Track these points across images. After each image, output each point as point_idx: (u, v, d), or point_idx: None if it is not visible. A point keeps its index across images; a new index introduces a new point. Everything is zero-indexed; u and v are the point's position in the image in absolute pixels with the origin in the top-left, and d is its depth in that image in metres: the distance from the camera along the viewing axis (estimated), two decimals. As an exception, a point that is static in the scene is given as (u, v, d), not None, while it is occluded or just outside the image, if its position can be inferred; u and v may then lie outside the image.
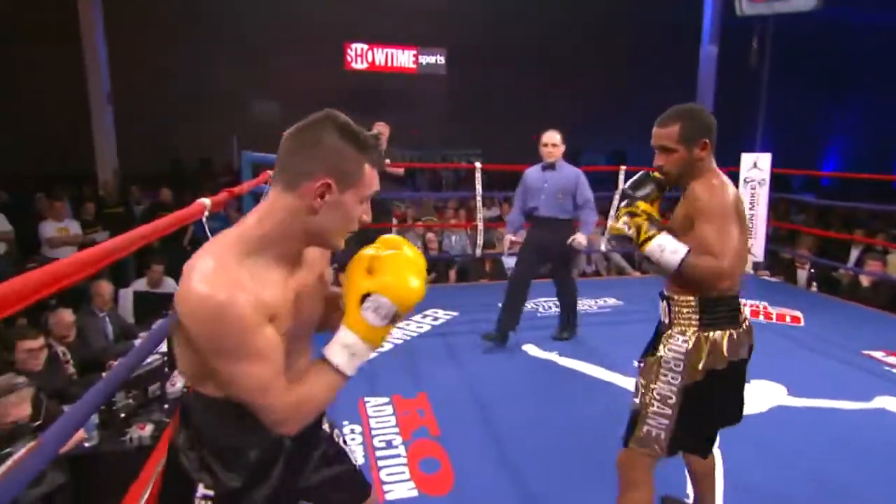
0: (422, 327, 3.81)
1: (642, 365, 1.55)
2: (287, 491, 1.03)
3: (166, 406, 2.37)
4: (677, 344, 1.45)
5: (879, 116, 15.33)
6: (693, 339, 1.44)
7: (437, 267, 5.70)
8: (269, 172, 3.10)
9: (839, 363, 3.28)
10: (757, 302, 4.44)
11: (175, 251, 5.30)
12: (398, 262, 0.91)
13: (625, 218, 1.51)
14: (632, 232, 1.48)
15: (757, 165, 5.14)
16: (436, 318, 3.99)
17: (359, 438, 2.37)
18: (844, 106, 15.50)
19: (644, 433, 1.48)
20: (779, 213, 8.01)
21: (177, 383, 2.52)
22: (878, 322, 4.08)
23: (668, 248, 1.42)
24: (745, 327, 1.49)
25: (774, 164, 5.12)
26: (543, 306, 4.19)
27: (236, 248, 0.87)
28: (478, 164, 4.80)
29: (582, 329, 3.56)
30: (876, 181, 12.17)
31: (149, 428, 2.22)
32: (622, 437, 1.55)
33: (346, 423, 2.48)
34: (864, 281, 4.72)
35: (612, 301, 4.46)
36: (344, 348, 0.90)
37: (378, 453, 2.27)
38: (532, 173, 3.46)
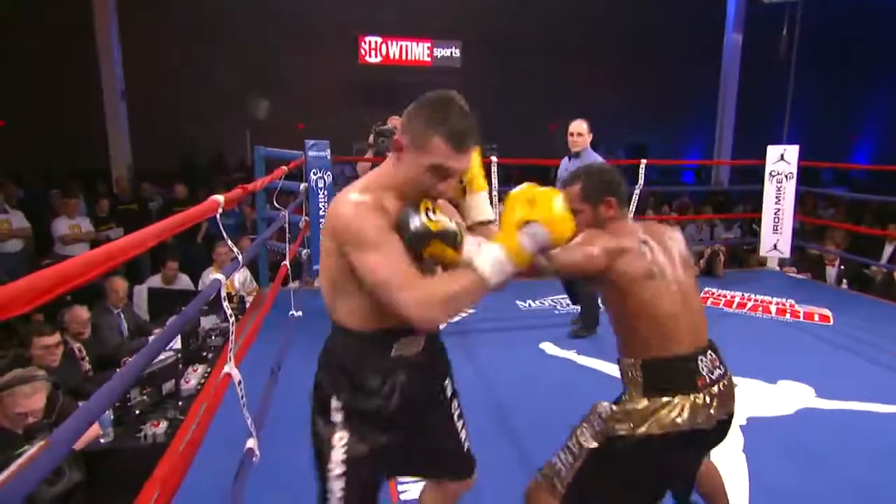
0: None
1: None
2: (401, 420, 1.18)
3: (180, 403, 2.40)
4: (621, 401, 1.38)
5: (914, 106, 14.90)
6: (636, 402, 1.34)
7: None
8: (284, 168, 3.12)
9: (870, 364, 3.21)
10: (783, 299, 4.36)
11: (189, 247, 5.37)
12: (557, 203, 1.04)
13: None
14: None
15: (784, 158, 5.04)
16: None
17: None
18: (875, 95, 15.10)
19: (551, 464, 1.40)
20: (806, 208, 7.86)
21: (191, 381, 2.55)
22: (913, 321, 3.98)
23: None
24: (705, 395, 1.33)
25: (802, 157, 5.01)
26: (561, 304, 4.16)
27: (360, 186, 1.12)
28: (494, 158, 4.77)
29: (602, 328, 3.52)
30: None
31: (163, 425, 2.25)
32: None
33: None
34: (898, 278, 4.61)
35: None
36: (492, 259, 1.01)
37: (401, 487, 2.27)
38: (562, 164, 3.58)
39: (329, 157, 4.12)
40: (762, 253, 5.29)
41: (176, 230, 1.28)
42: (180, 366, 2.58)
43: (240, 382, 1.63)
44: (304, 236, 4.01)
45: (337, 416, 1.16)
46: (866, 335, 3.63)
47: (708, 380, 1.34)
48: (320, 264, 1.15)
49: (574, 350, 3.30)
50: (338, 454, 1.15)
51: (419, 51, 12.67)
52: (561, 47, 13.08)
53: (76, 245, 5.32)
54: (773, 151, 5.10)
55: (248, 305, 4.05)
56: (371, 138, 4.54)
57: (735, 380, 2.94)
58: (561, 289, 3.99)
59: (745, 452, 2.25)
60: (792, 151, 5.02)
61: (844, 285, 5.10)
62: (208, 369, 2.73)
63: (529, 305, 4.25)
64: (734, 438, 2.35)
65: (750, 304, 4.28)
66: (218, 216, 1.42)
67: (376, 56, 12.52)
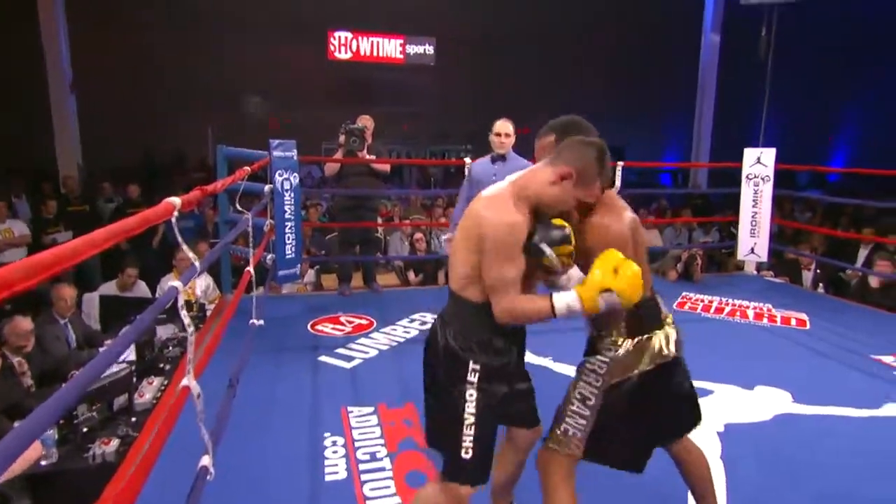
0: (409, 332, 3.80)
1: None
2: (516, 373, 1.57)
3: (134, 419, 2.33)
4: (607, 350, 1.56)
5: (889, 109, 15.53)
6: (622, 345, 1.54)
7: (425, 268, 5.69)
8: (246, 169, 3.07)
9: (847, 368, 3.32)
10: (761, 304, 4.49)
11: (144, 253, 5.24)
12: (637, 277, 1.33)
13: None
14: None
15: (760, 161, 5.19)
16: (423, 323, 3.98)
17: (341, 451, 2.36)
18: (852, 98, 15.69)
19: (561, 431, 1.56)
20: (784, 212, 8.11)
21: (146, 394, 2.49)
22: (889, 325, 4.14)
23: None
24: (669, 327, 1.59)
25: (779, 160, 5.17)
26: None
27: (515, 195, 1.43)
28: (467, 160, 4.79)
29: (578, 333, 3.56)
30: (885, 177, 12.35)
31: (114, 443, 2.18)
32: (544, 435, 1.64)
33: (327, 434, 2.47)
34: (874, 282, 4.78)
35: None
36: (567, 304, 1.35)
37: (361, 466, 2.25)
38: (479, 165, 3.43)
39: (296, 158, 4.08)
40: (739, 257, 5.44)
41: (128, 234, 1.25)
42: (134, 379, 2.51)
43: (198, 395, 1.59)
44: (270, 240, 3.96)
45: (472, 377, 1.46)
46: (842, 339, 3.76)
47: (665, 313, 1.62)
48: (457, 248, 1.47)
49: (549, 357, 3.33)
50: (471, 407, 1.46)
51: (391, 47, 12.67)
52: (537, 47, 13.25)
53: (7, 252, 5.15)
54: (749, 154, 5.25)
55: (209, 313, 3.98)
56: (341, 138, 4.52)
57: (712, 386, 3.00)
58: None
59: (722, 459, 2.30)
60: (769, 154, 5.17)
61: (821, 289, 5.28)
62: (165, 382, 2.66)
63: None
64: (712, 445, 2.40)
65: (728, 309, 4.39)
66: (173, 220, 1.38)
67: (346, 52, 12.47)
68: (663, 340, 1.56)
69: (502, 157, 3.35)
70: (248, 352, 2.56)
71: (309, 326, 3.85)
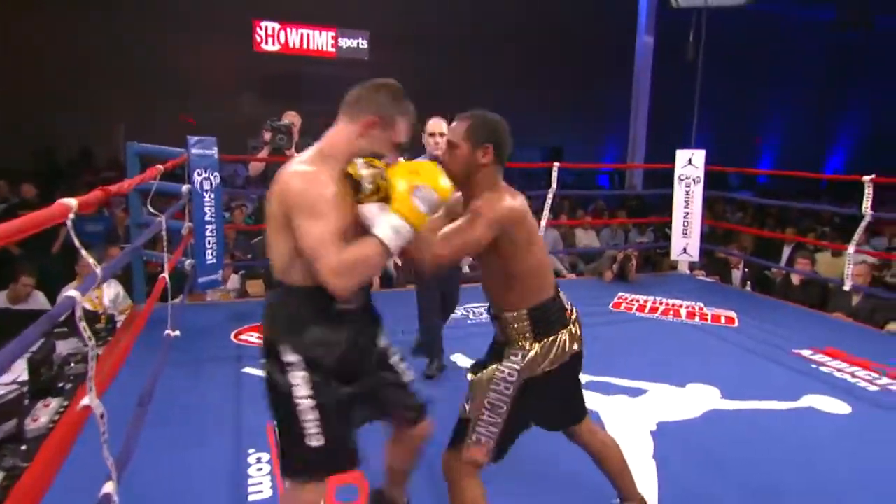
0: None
1: (473, 378, 1.70)
2: (350, 370, 1.47)
3: (24, 447, 2.15)
4: (515, 359, 1.63)
5: (812, 113, 16.79)
6: (530, 350, 1.62)
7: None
8: (158, 167, 2.95)
9: (770, 363, 3.56)
10: (692, 303, 4.74)
11: (42, 259, 4.91)
12: (438, 171, 1.35)
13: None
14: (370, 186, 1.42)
15: (692, 162, 5.48)
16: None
17: (266, 468, 2.29)
18: (776, 102, 16.86)
19: (473, 441, 1.63)
20: (717, 212, 8.60)
21: (40, 418, 2.32)
22: (807, 320, 4.47)
23: (393, 224, 1.38)
24: (573, 324, 1.70)
25: (709, 161, 5.47)
26: (474, 312, 4.24)
27: (319, 155, 1.41)
28: (401, 160, 4.79)
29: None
30: (808, 179, 13.34)
31: (-1, 475, 2.01)
32: (450, 440, 1.68)
33: (252, 450, 2.40)
34: (795, 279, 5.16)
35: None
36: (391, 228, 1.28)
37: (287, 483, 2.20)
38: None
39: (216, 156, 3.95)
40: (673, 257, 5.72)
41: (15, 237, 1.16)
42: (26, 401, 2.34)
43: (102, 415, 1.51)
44: (188, 244, 3.80)
45: (293, 361, 1.40)
46: (767, 335, 4.02)
47: (570, 311, 1.71)
48: (269, 233, 1.41)
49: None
50: (300, 391, 1.40)
51: (322, 40, 12.49)
52: (476, 44, 13.43)
53: None
54: (681, 155, 5.53)
55: (119, 325, 3.77)
56: (266, 135, 4.41)
57: (646, 385, 3.13)
58: (472, 297, 4.06)
59: (654, 459, 2.41)
60: (699, 156, 5.47)
61: (748, 287, 5.63)
62: (65, 402, 2.50)
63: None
64: (644, 444, 2.51)
65: (661, 308, 4.60)
66: (69, 222, 1.31)
67: (274, 44, 12.18)
68: (567, 339, 1.65)
69: (438, 160, 3.34)
70: (162, 365, 2.45)
71: (232, 336, 3.73)
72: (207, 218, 3.81)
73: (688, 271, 5.84)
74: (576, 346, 1.68)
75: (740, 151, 14.88)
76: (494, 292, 1.70)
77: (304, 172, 1.35)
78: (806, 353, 3.72)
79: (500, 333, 1.71)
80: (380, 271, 1.31)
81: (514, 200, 1.56)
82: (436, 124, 3.24)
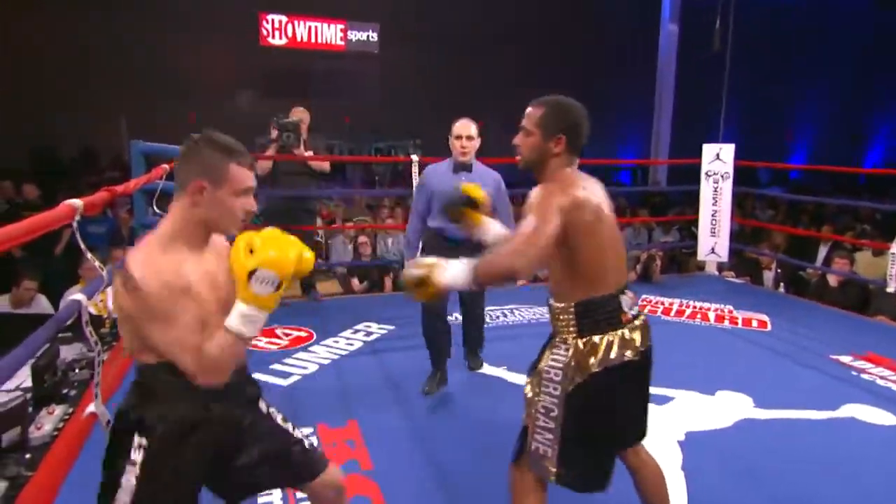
0: (352, 344, 3.77)
1: (528, 379, 1.69)
2: (219, 458, 1.40)
3: (28, 456, 2.18)
4: (560, 353, 1.61)
5: (848, 105, 16.50)
6: (573, 346, 1.59)
7: (371, 274, 5.65)
8: (165, 167, 2.98)
9: (806, 370, 3.50)
10: (721, 305, 4.68)
11: (45, 262, 4.98)
12: (274, 239, 1.26)
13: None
14: (420, 289, 1.56)
15: (720, 157, 5.42)
16: (368, 334, 3.96)
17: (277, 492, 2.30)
18: (811, 93, 16.61)
19: (533, 450, 1.60)
20: (746, 210, 8.50)
21: (44, 426, 2.35)
22: (846, 324, 4.40)
23: (454, 274, 1.52)
24: (629, 329, 1.61)
25: (738, 156, 5.41)
26: (490, 315, 4.24)
27: (158, 241, 1.30)
28: (415, 157, 4.80)
29: (532, 340, 3.61)
30: (844, 174, 13.14)
31: (1, 486, 2.04)
32: (512, 452, 1.67)
33: None
34: (832, 280, 5.07)
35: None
36: (241, 317, 1.26)
37: (298, 494, 2.21)
38: (436, 174, 2.96)
39: (223, 154, 3.98)
40: (700, 257, 5.66)
41: (19, 240, 1.18)
42: (30, 409, 2.36)
43: (108, 423, 1.53)
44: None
45: (136, 455, 1.30)
46: (802, 340, 3.96)
47: (630, 315, 1.63)
48: (121, 328, 1.33)
49: (504, 367, 3.37)
50: (128, 481, 1.30)
51: (331, 33, 12.56)
52: (491, 36, 13.40)
53: None
54: (708, 150, 5.47)
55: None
56: (273, 133, 4.44)
57: (673, 392, 3.10)
58: (488, 300, 4.04)
59: (683, 470, 2.38)
60: (728, 150, 5.41)
61: (781, 289, 5.55)
62: (70, 410, 2.53)
63: (456, 319, 4.30)
64: (672, 455, 2.48)
65: (688, 312, 4.55)
66: (75, 224, 1.32)
67: (281, 37, 12.28)
68: (617, 342, 1.58)
69: (466, 167, 2.93)
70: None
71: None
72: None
73: (716, 272, 5.78)
74: (629, 354, 1.59)
75: (771, 145, 14.66)
76: (551, 276, 1.68)
77: (145, 262, 1.25)
78: (845, 358, 3.66)
79: (550, 322, 1.70)
80: (245, 351, 1.35)
81: (576, 190, 1.56)
82: (463, 126, 2.94)
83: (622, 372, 1.58)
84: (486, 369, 3.41)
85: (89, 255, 1.46)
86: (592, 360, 1.56)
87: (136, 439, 1.30)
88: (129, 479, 1.29)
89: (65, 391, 2.76)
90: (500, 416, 2.88)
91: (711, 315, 4.49)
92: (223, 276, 1.36)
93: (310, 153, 4.50)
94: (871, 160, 17.31)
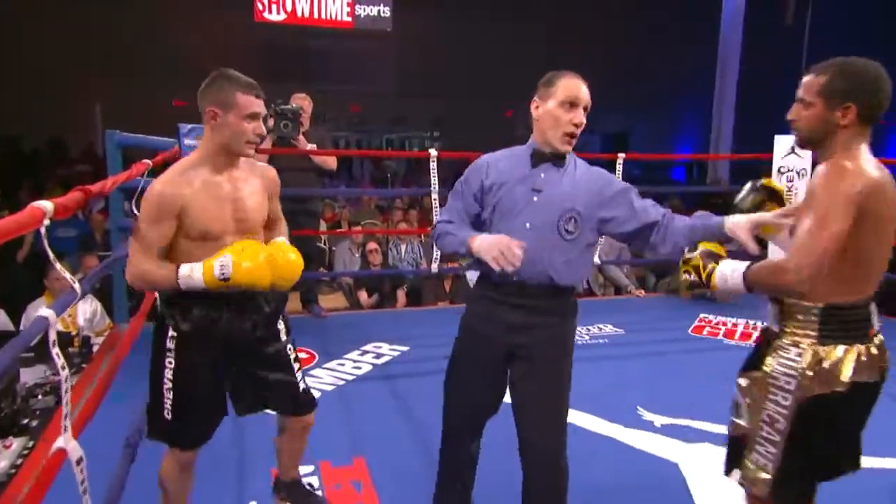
0: (360, 367, 3.77)
1: (746, 381, 1.72)
2: (229, 356, 1.94)
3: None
4: (790, 357, 1.61)
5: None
6: (809, 353, 1.58)
7: (381, 287, 5.66)
8: (147, 162, 3.02)
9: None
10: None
11: (6, 271, 5.07)
12: (250, 248, 1.77)
13: (683, 268, 1.74)
14: (694, 277, 1.70)
15: (795, 151, 5.35)
16: (378, 356, 3.95)
17: (270, 524, 2.31)
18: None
19: (753, 461, 1.66)
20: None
21: (12, 444, 2.39)
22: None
23: (728, 274, 1.59)
24: (875, 343, 1.61)
25: (816, 150, 5.32)
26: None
27: (182, 165, 1.85)
28: (433, 151, 4.81)
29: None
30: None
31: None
32: (724, 471, 1.75)
33: (254, 503, 2.41)
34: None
35: (608, 329, 4.56)
36: (191, 271, 1.74)
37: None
38: (504, 162, 2.02)
39: (212, 147, 4.02)
40: (771, 268, 5.57)
41: (-20, 247, 1.20)
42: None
43: (79, 460, 1.54)
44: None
45: (171, 343, 1.85)
46: None
47: (876, 329, 1.63)
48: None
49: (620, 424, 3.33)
50: (168, 372, 1.86)
51: (336, 8, 12.66)
52: (522, 8, 13.40)
53: None
54: (781, 142, 5.40)
55: (95, 349, 3.87)
56: (270, 122, 4.48)
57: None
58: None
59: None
60: (804, 143, 5.33)
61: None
62: (31, 442, 2.57)
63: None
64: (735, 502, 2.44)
65: (755, 335, 4.46)
66: (43, 230, 1.34)
67: (279, 13, 12.41)
68: (862, 356, 1.57)
69: (558, 158, 1.98)
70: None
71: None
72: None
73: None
74: (865, 375, 1.57)
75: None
76: None
77: (162, 178, 1.79)
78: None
79: (773, 322, 1.69)
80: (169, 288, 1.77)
81: (872, 171, 1.53)
82: (577, 85, 1.94)
83: (856, 394, 1.57)
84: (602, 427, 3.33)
85: (58, 267, 1.48)
86: (830, 376, 1.56)
87: (170, 331, 1.84)
88: (170, 361, 1.85)
89: (24, 421, 2.80)
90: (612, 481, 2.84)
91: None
92: (248, 197, 1.88)
93: (312, 146, 4.53)
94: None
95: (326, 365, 3.79)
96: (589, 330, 4.50)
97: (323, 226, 6.35)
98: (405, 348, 4.09)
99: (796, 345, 1.60)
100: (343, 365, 3.79)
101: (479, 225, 1.99)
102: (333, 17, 12.72)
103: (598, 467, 2.77)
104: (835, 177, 1.50)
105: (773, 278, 1.51)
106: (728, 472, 1.75)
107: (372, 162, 13.05)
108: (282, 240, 1.97)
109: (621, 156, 5.21)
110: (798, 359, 1.59)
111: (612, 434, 2.99)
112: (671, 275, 5.90)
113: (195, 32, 12.13)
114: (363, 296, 5.60)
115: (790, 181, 5.35)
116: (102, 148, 4.15)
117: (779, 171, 5.40)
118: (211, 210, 1.79)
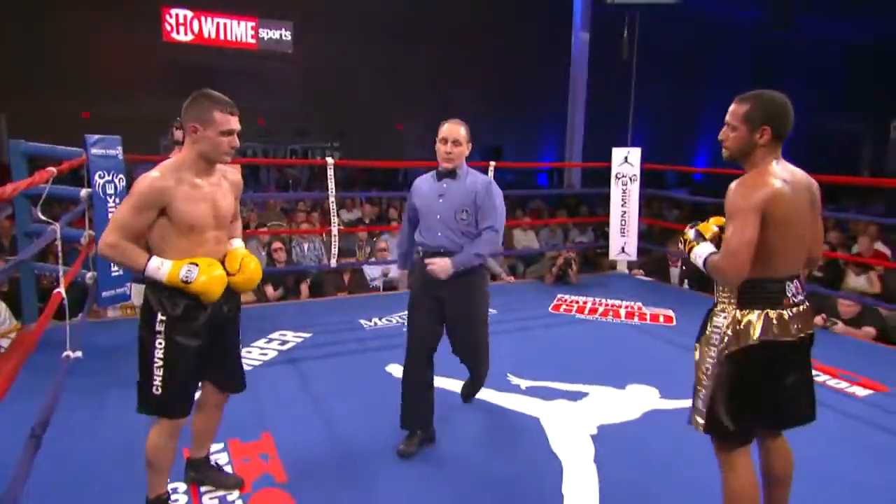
0: (266, 353, 3.66)
1: (697, 345, 1.89)
2: (211, 334, 1.99)
3: None
4: (718, 320, 1.81)
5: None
6: (731, 316, 1.77)
7: (286, 281, 5.52)
8: (51, 170, 2.79)
9: (708, 361, 3.74)
10: (632, 302, 4.92)
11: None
12: (216, 267, 1.91)
13: (681, 237, 1.97)
14: (681, 247, 1.95)
15: (628, 160, 5.71)
16: (283, 342, 3.86)
17: (183, 499, 2.20)
18: (711, 99, 17.79)
19: (695, 408, 1.85)
20: (654, 210, 8.98)
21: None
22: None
23: (698, 254, 1.82)
24: (790, 311, 1.77)
25: (646, 159, 5.71)
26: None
27: (168, 165, 1.90)
28: (329, 160, 4.74)
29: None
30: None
31: None
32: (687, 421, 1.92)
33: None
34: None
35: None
36: (161, 265, 1.85)
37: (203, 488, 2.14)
38: (423, 182, 2.70)
39: (121, 157, 3.77)
40: (611, 256, 5.93)
41: None
42: None
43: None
44: (88, 255, 3.61)
45: (160, 326, 1.89)
46: (704, 333, 4.23)
47: (791, 301, 1.77)
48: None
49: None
50: (158, 352, 1.90)
51: (241, 30, 12.18)
52: (410, 36, 13.44)
53: None
54: (617, 153, 5.75)
55: (2, 350, 3.52)
56: (177, 133, 4.24)
57: (587, 388, 3.23)
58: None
59: (595, 462, 2.48)
60: (635, 154, 5.70)
61: (686, 286, 5.90)
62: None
63: (375, 324, 4.28)
64: (585, 448, 2.59)
65: (601, 310, 4.76)
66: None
67: (186, 33, 11.77)
68: (774, 319, 1.73)
69: (451, 174, 2.59)
70: (58, 391, 2.31)
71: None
72: (111, 225, 3.62)
73: (627, 270, 6.07)
74: (775, 330, 1.73)
75: (677, 149, 15.56)
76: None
77: (153, 173, 1.85)
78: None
79: (715, 296, 1.86)
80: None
81: (775, 181, 1.69)
82: (449, 130, 2.57)
83: (768, 349, 1.73)
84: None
85: (-43, 267, 1.34)
86: (743, 334, 1.74)
87: (159, 315, 1.88)
88: (160, 342, 1.88)
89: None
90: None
91: (622, 312, 4.71)
92: (221, 198, 1.95)
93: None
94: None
95: (235, 352, 3.66)
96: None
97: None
98: (308, 335, 4.02)
99: (723, 311, 1.79)
100: (251, 352, 3.67)
101: (416, 220, 2.68)
102: (239, 38, 12.23)
103: (475, 423, 2.86)
104: (740, 193, 1.70)
105: (715, 271, 1.74)
106: (689, 421, 1.89)
107: (277, 169, 12.64)
108: (241, 246, 2.10)
109: (492, 164, 5.37)
110: (723, 321, 1.78)
111: (485, 398, 3.08)
112: (537, 263, 6.14)
113: (107, 50, 11.27)
114: (269, 290, 5.43)
115: (624, 184, 5.71)
116: (8, 158, 3.77)
117: (615, 176, 5.74)
118: (194, 207, 1.85)
